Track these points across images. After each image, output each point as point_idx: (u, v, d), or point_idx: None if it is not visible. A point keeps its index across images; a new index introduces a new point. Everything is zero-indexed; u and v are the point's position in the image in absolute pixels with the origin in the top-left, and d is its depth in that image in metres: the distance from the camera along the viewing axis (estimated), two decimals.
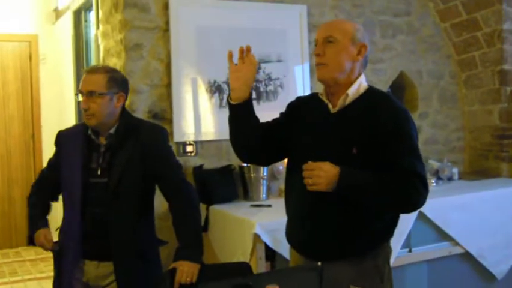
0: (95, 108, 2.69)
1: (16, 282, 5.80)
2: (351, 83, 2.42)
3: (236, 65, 2.46)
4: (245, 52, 2.46)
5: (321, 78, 2.44)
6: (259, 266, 3.33)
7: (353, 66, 2.42)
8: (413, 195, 2.30)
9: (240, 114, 2.49)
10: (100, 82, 2.70)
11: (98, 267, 2.77)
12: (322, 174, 2.25)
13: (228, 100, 2.50)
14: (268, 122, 2.63)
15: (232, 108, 2.49)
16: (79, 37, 5.65)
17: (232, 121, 2.54)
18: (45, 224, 2.90)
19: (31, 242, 2.89)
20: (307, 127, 2.51)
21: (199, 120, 4.09)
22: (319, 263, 1.98)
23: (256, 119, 2.54)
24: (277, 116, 2.68)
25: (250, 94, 2.49)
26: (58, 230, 2.89)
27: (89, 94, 2.69)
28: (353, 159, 2.32)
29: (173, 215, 2.81)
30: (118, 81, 2.77)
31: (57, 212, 3.01)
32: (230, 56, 2.47)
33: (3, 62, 7.07)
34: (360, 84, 2.44)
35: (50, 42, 7.03)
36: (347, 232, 2.39)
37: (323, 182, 2.25)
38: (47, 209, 2.97)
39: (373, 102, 2.40)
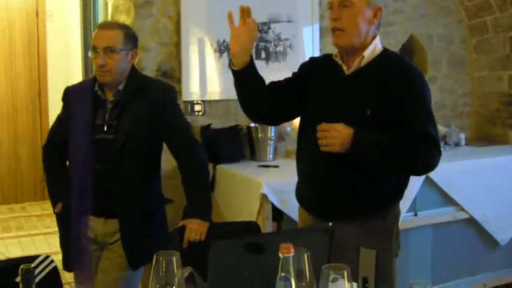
0: (112, 64, 2.66)
1: (23, 237, 5.86)
2: (366, 46, 2.41)
3: (237, 27, 2.46)
4: (245, 12, 2.44)
5: (337, 44, 2.43)
6: (266, 226, 3.34)
7: (369, 29, 2.40)
8: (426, 157, 2.31)
9: (244, 79, 2.49)
10: (117, 38, 2.67)
11: (106, 224, 2.77)
12: (336, 135, 2.26)
13: (230, 66, 2.49)
14: (280, 81, 2.63)
15: (236, 74, 2.49)
16: None
17: (238, 85, 2.54)
18: (64, 195, 2.88)
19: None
20: (320, 88, 2.50)
21: (207, 79, 4.07)
22: (330, 224, 1.98)
23: (261, 78, 2.54)
24: (288, 76, 2.67)
25: (251, 57, 2.47)
26: None
27: (106, 50, 2.65)
28: (367, 121, 2.32)
29: (182, 173, 2.82)
30: (132, 38, 2.76)
31: None
32: (230, 16, 2.47)
33: (9, 19, 7.01)
34: (376, 47, 2.44)
35: None
36: (357, 192, 2.41)
37: (337, 143, 2.27)
38: (63, 174, 2.91)
39: (388, 64, 2.39)
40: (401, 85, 2.31)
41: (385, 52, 2.46)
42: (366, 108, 2.32)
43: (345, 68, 2.44)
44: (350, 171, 2.39)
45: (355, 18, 2.36)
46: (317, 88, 2.50)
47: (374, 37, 2.43)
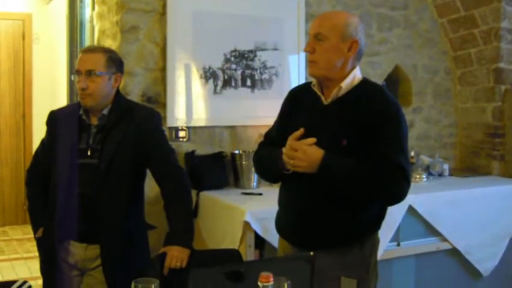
0: (94, 87, 2.66)
1: (2, 261, 5.78)
2: (344, 77, 2.42)
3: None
4: None
5: (311, 75, 2.46)
6: (248, 253, 3.33)
7: (345, 62, 2.41)
8: (393, 186, 2.31)
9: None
10: (99, 61, 2.68)
11: (87, 250, 2.75)
12: (303, 157, 2.28)
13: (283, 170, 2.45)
14: (275, 136, 2.67)
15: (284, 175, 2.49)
16: (73, 17, 5.60)
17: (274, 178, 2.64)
18: (46, 220, 2.84)
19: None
20: (300, 119, 2.51)
21: (192, 105, 4.07)
22: (311, 253, 1.97)
23: None
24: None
25: None
26: None
27: (88, 73, 2.66)
28: (343, 151, 2.32)
29: (164, 199, 2.80)
30: (116, 62, 2.76)
31: None
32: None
33: None
34: (355, 77, 2.45)
35: (44, 22, 6.98)
36: (334, 222, 2.41)
37: (303, 165, 2.29)
38: (46, 198, 2.86)
39: (366, 94, 2.40)
40: (377, 116, 2.33)
41: (364, 82, 2.47)
42: (342, 138, 2.33)
43: (323, 98, 2.45)
44: (327, 201, 2.39)
45: (327, 52, 2.38)
46: (297, 119, 2.51)
47: (353, 68, 2.45)
